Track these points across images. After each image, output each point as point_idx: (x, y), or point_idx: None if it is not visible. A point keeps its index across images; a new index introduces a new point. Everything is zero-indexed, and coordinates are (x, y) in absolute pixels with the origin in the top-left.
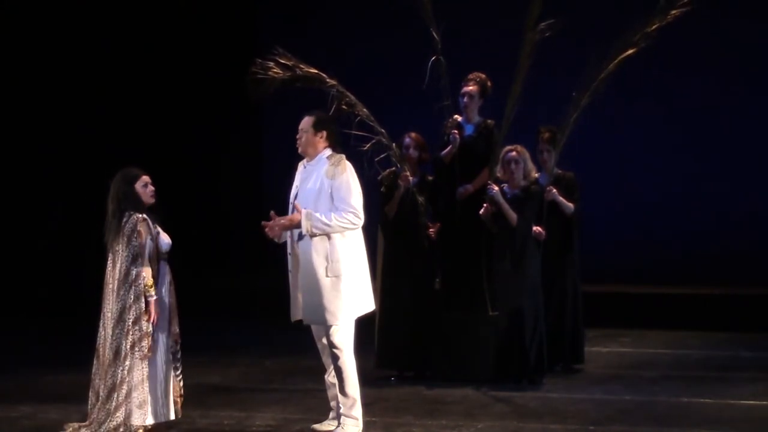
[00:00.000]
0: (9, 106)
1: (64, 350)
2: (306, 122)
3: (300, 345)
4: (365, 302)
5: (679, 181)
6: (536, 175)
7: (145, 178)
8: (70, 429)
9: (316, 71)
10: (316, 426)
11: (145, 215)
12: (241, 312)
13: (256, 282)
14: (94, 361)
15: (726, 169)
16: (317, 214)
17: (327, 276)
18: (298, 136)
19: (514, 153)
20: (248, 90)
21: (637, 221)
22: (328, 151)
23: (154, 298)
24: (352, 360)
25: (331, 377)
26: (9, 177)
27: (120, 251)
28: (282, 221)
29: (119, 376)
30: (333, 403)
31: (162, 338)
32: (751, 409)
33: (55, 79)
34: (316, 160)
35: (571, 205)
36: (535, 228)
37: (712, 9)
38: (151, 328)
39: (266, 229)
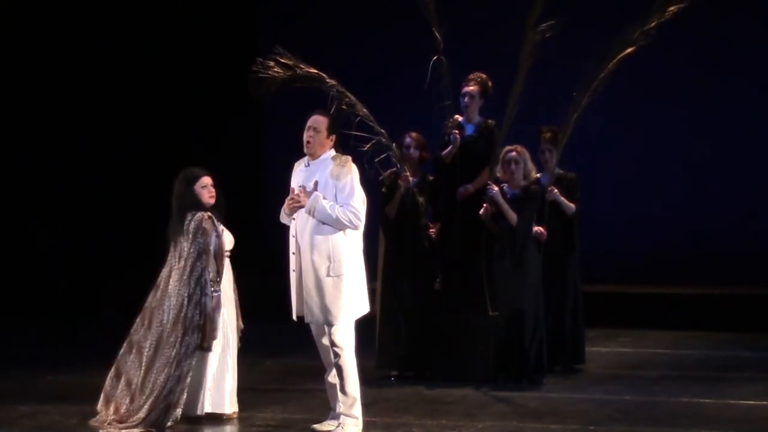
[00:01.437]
0: (10, 105)
1: (64, 350)
2: (320, 122)
3: (300, 345)
4: (364, 303)
5: (679, 181)
6: (537, 175)
7: (205, 180)
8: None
9: (316, 71)
10: (316, 426)
11: (209, 213)
12: (240, 312)
13: (256, 282)
14: (126, 353)
15: (726, 169)
16: (324, 201)
17: (329, 276)
18: (309, 135)
19: (514, 153)
20: (249, 89)
21: (637, 221)
22: (333, 152)
23: (218, 293)
24: (353, 359)
25: (331, 377)
26: (8, 177)
27: (185, 248)
28: (303, 195)
29: (171, 367)
30: (333, 404)
31: (225, 333)
32: (751, 409)
33: (55, 80)
34: (320, 161)
35: (572, 205)
36: (536, 228)
37: (713, 7)
38: (214, 323)
39: (294, 195)
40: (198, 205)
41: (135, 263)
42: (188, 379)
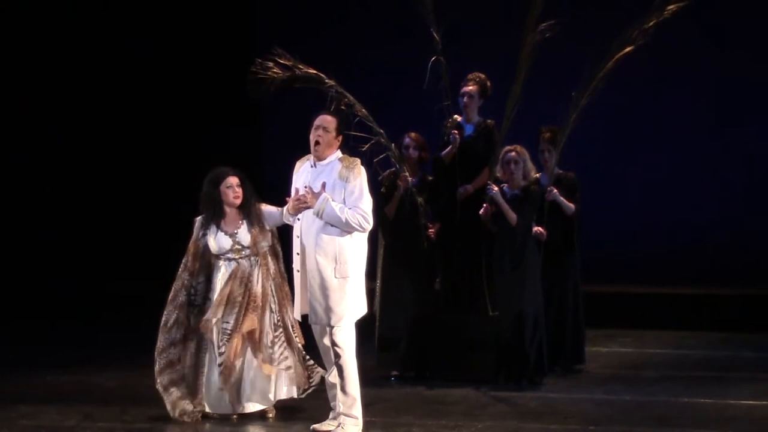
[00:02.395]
0: (15, 109)
1: (64, 351)
2: (330, 122)
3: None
4: (364, 304)
5: (679, 181)
6: (536, 175)
7: (230, 180)
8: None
9: (315, 71)
10: (317, 426)
11: (200, 217)
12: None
13: None
14: None
15: (727, 169)
16: (333, 203)
17: (335, 277)
18: (318, 134)
19: (513, 153)
20: (248, 90)
21: (637, 221)
22: (339, 153)
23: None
24: (353, 359)
25: (332, 377)
26: (10, 179)
27: None
28: (310, 196)
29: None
30: (333, 404)
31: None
32: (751, 409)
33: (55, 81)
34: (328, 162)
35: (571, 205)
36: (536, 228)
37: (715, 6)
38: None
39: (300, 196)
40: (218, 206)
41: (136, 265)
42: (172, 372)
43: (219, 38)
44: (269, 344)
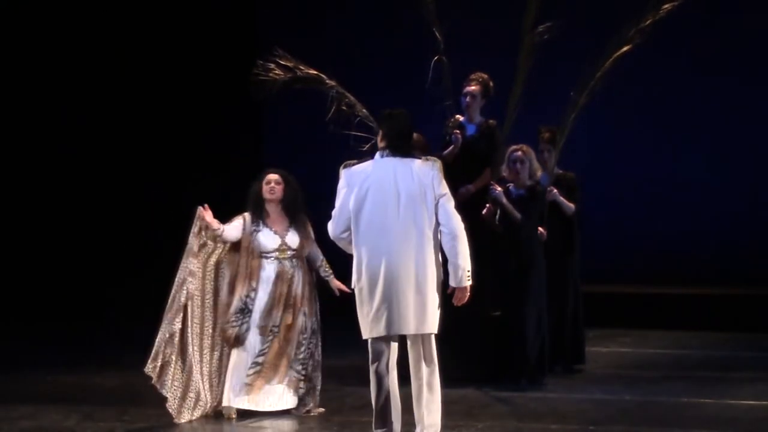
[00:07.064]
0: (14, 110)
1: (64, 351)
2: None
3: None
4: (366, 328)
5: (679, 180)
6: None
7: (268, 177)
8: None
9: (316, 72)
10: None
11: (246, 213)
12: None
13: None
14: None
15: (727, 169)
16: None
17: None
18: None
19: (519, 153)
20: (251, 91)
21: (637, 221)
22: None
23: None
24: (372, 374)
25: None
26: (11, 181)
27: None
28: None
29: None
30: None
31: (252, 332)
32: (751, 409)
33: (55, 82)
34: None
35: (571, 205)
36: None
37: (710, 5)
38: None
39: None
40: (259, 203)
41: (136, 267)
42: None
43: (220, 40)
44: (297, 345)
